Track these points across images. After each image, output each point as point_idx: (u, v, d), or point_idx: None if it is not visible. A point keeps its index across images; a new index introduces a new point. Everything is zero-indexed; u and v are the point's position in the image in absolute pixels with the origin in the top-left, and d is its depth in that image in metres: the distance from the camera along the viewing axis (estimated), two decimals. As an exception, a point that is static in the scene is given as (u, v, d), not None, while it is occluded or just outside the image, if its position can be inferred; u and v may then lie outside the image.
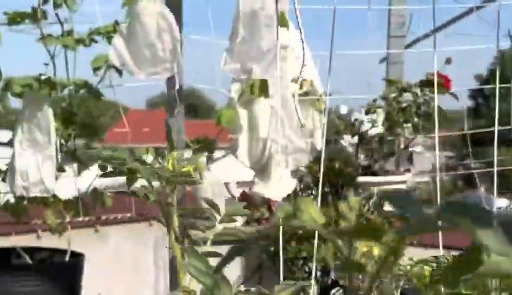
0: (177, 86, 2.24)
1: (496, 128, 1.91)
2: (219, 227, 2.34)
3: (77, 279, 2.19)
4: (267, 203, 2.52)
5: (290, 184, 2.56)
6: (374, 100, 2.49)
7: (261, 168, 2.64)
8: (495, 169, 1.94)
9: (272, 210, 2.49)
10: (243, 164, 2.64)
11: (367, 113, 2.45)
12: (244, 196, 2.57)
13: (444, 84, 2.47)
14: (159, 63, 2.05)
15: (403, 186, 2.43)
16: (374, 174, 2.40)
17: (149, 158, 2.11)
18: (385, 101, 2.45)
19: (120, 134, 2.54)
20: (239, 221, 2.39)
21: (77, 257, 2.21)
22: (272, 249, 2.13)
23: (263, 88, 2.22)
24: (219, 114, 2.19)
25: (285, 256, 2.14)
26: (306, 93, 2.60)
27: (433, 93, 2.49)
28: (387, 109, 2.41)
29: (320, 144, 2.57)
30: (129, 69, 2.03)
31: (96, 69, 2.16)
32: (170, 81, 2.26)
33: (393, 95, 2.45)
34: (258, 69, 2.05)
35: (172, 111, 2.33)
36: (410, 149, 2.51)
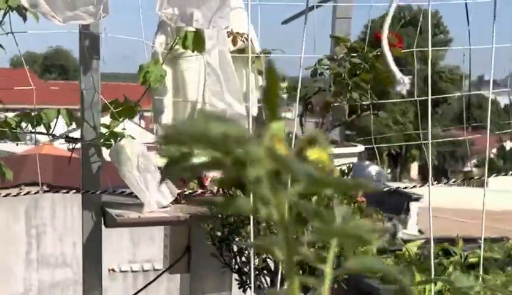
0: (103, 34, 1.89)
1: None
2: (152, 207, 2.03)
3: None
4: (198, 177, 2.23)
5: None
6: (320, 60, 2.24)
7: (189, 137, 2.35)
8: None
9: (204, 185, 2.20)
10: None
11: (313, 75, 2.19)
12: (170, 169, 2.27)
13: (397, 44, 2.25)
14: (81, 5, 1.69)
15: (354, 159, 2.21)
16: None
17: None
18: (332, 62, 2.21)
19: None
20: (167, 198, 2.09)
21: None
22: (219, 233, 1.85)
23: (198, 41, 1.91)
24: (145, 70, 1.87)
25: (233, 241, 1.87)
26: (240, 51, 2.31)
27: (381, 53, 2.28)
28: (335, 71, 2.17)
29: (255, 110, 2.29)
30: (42, 11, 1.66)
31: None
32: (86, 28, 1.91)
33: (341, 56, 2.21)
34: (199, 17, 1.73)
35: (86, 66, 1.98)
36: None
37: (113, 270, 7.53)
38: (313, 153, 0.44)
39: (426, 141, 2.38)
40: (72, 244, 7.26)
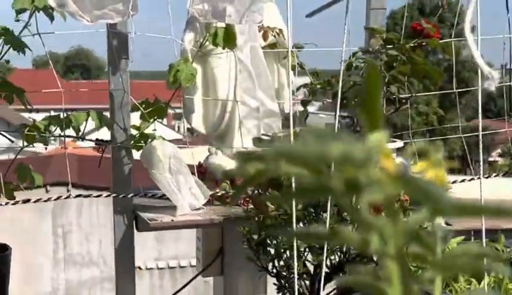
0: (132, 34, 1.82)
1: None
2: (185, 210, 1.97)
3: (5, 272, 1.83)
4: (230, 178, 2.16)
5: (257, 154, 2.21)
6: (354, 53, 2.15)
7: (220, 135, 2.28)
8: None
9: (237, 185, 2.12)
10: (198, 130, 2.27)
11: (348, 69, 2.11)
12: (201, 170, 2.20)
13: (435, 34, 2.16)
14: (109, 4, 1.62)
15: (394, 154, 2.12)
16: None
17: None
18: (367, 55, 2.12)
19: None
20: (199, 200, 2.03)
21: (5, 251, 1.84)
22: (255, 236, 1.78)
23: (229, 37, 1.83)
24: (175, 69, 1.80)
25: (267, 245, 1.80)
26: (271, 46, 2.23)
27: (419, 45, 2.19)
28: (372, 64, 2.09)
29: (289, 107, 2.21)
30: (69, 10, 1.59)
31: (18, 13, 1.72)
32: (113, 27, 1.84)
33: (377, 48, 2.12)
34: (232, 12, 1.65)
35: (115, 66, 1.92)
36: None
37: (139, 268, 7.51)
38: (428, 171, 0.36)
39: (477, 133, 2.29)
40: (98, 243, 7.26)
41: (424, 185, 0.31)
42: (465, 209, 0.30)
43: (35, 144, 1.86)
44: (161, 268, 7.70)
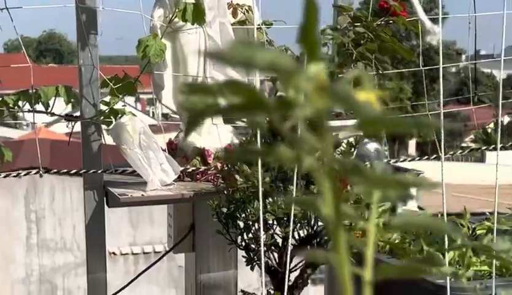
0: (100, 8, 1.83)
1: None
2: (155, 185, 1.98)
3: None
4: (201, 154, 2.18)
5: (226, 131, 2.24)
6: (323, 31, 2.18)
7: (191, 113, 2.30)
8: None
9: (207, 162, 2.15)
10: (168, 108, 2.28)
11: (316, 46, 2.14)
12: (172, 147, 2.22)
13: (401, 12, 2.20)
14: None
15: (361, 131, 2.16)
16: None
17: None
18: (335, 32, 2.15)
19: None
20: (170, 176, 2.05)
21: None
22: (224, 209, 1.81)
23: (198, 13, 1.85)
24: (144, 45, 1.81)
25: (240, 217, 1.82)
26: (241, 22, 2.25)
27: (385, 23, 2.22)
28: (339, 41, 2.12)
29: (258, 84, 2.24)
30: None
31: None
32: (82, 2, 1.85)
33: (345, 25, 2.16)
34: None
35: (84, 42, 1.93)
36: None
37: (113, 253, 7.51)
38: (360, 95, 0.39)
39: (432, 112, 2.33)
40: (72, 228, 7.24)
41: (351, 97, 0.33)
42: (376, 120, 0.33)
43: (5, 129, 1.86)
44: (136, 254, 7.71)
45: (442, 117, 1.64)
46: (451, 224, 0.43)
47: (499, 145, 1.77)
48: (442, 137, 1.66)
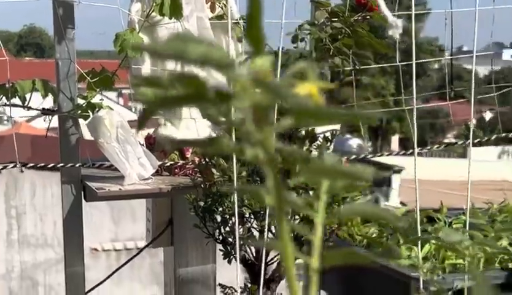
0: (77, 1, 1.83)
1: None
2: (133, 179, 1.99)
3: None
4: (179, 148, 2.20)
5: (205, 125, 2.25)
6: (301, 26, 2.20)
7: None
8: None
9: (185, 156, 2.16)
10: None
11: (293, 41, 2.15)
12: (150, 141, 2.23)
13: (376, 7, 2.22)
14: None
15: (337, 126, 2.18)
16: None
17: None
18: (313, 27, 2.17)
19: None
20: (148, 170, 2.06)
21: None
22: (202, 203, 1.82)
23: (175, 7, 1.86)
24: (121, 39, 1.82)
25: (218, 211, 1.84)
26: (219, 17, 2.27)
27: (362, 18, 2.25)
28: (316, 36, 2.13)
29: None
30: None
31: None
32: (59, -4, 1.85)
33: (322, 20, 2.18)
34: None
35: (60, 36, 1.93)
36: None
37: (95, 250, 7.50)
38: (302, 88, 0.41)
39: (410, 107, 2.35)
40: (53, 224, 7.21)
41: (277, 88, 0.35)
42: (307, 111, 0.35)
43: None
44: (118, 250, 7.69)
45: (415, 113, 1.66)
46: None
47: (471, 141, 1.80)
48: (415, 132, 1.68)
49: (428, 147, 2.26)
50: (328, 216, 0.46)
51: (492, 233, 2.12)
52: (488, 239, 1.98)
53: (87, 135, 2.14)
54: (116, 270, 2.34)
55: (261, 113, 0.37)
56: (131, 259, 2.42)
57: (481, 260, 1.81)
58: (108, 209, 7.23)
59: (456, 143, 2.63)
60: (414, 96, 1.68)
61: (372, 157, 2.63)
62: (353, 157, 2.38)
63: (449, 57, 2.43)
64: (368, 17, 2.22)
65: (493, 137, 2.55)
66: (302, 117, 0.36)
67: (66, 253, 2.10)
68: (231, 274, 1.96)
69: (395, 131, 23.29)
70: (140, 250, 2.41)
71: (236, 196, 1.67)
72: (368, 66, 2.23)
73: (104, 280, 2.29)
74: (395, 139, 24.65)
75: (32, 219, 7.30)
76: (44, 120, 1.99)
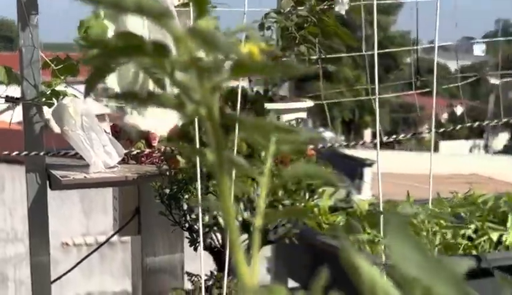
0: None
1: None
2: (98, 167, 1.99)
3: None
4: (145, 137, 2.19)
5: (172, 113, 2.25)
6: (267, 14, 2.21)
7: (134, 94, 2.30)
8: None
9: (152, 145, 2.16)
10: (113, 89, 2.28)
11: (260, 29, 2.16)
12: (116, 129, 2.22)
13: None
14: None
15: (303, 114, 2.19)
16: (270, 100, 2.14)
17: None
18: (279, 16, 2.18)
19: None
20: (114, 158, 2.05)
21: None
22: (167, 190, 1.82)
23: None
24: (85, 26, 1.80)
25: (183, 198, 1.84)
26: (185, 5, 2.26)
27: (328, 7, 2.26)
28: (283, 25, 2.14)
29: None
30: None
31: None
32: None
33: (288, 9, 2.19)
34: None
35: (24, 22, 1.91)
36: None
37: (66, 244, 7.44)
38: (244, 47, 0.41)
39: (374, 97, 2.38)
40: (23, 218, 7.14)
41: (213, 37, 0.36)
42: (242, 64, 0.36)
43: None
44: (89, 244, 7.64)
45: (377, 102, 1.68)
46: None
47: (433, 132, 1.83)
48: (378, 122, 1.70)
49: (394, 136, 2.28)
50: (325, 210, 0.47)
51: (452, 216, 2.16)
52: (443, 213, 2.00)
53: (56, 128, 2.13)
54: (84, 258, 2.33)
55: (200, 67, 0.37)
56: (99, 247, 2.41)
57: (437, 234, 1.83)
58: (79, 202, 7.18)
59: (421, 133, 2.66)
60: (376, 85, 1.70)
61: (342, 148, 2.65)
62: (321, 146, 2.40)
63: (414, 48, 2.46)
64: (334, 6, 2.23)
65: (458, 127, 2.58)
66: (238, 69, 0.37)
67: (31, 243, 2.09)
68: (199, 263, 1.96)
69: (368, 125, 23.45)
70: (107, 239, 2.40)
71: (199, 183, 1.67)
72: (332, 55, 2.25)
73: (71, 269, 2.28)
74: (367, 133, 24.83)
75: (2, 213, 7.21)
76: (7, 108, 1.97)
